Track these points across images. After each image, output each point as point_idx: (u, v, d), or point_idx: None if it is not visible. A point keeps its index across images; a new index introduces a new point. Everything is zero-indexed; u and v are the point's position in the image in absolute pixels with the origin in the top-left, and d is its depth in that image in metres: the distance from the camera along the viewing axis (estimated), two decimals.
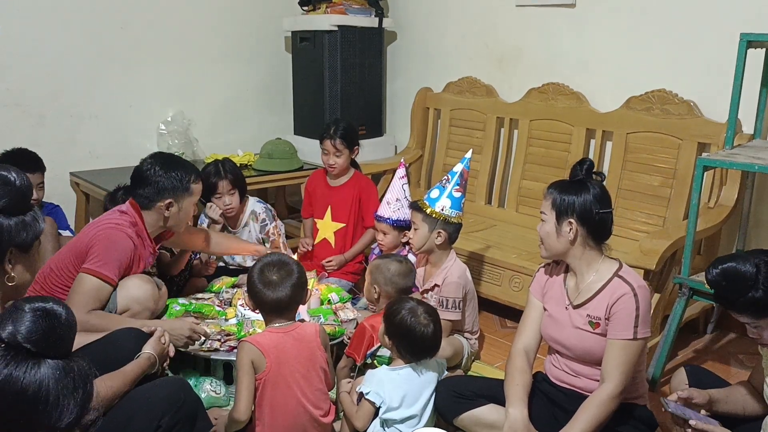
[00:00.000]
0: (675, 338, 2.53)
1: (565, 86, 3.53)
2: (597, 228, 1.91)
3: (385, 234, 2.92)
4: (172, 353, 2.07)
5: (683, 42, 3.12)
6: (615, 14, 3.35)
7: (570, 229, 1.89)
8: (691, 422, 1.69)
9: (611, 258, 1.97)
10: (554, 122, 3.56)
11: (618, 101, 3.30)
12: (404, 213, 2.87)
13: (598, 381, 1.91)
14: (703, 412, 1.76)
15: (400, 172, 2.95)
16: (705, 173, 2.44)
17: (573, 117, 3.48)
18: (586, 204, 1.88)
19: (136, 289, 2.28)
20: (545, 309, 2.05)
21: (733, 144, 2.65)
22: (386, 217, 2.90)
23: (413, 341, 2.01)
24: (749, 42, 2.51)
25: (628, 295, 1.85)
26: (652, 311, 2.53)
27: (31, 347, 1.05)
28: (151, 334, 2.01)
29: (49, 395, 1.04)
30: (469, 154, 2.77)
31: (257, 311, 2.06)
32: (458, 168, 2.70)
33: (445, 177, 2.71)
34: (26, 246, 1.52)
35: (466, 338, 2.71)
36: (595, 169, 1.96)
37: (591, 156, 3.42)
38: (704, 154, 2.68)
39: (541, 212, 1.98)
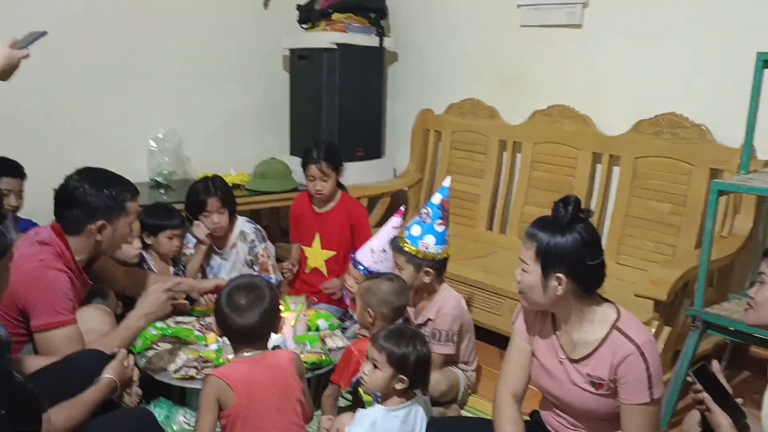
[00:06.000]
0: (687, 375, 2.35)
1: (571, 108, 3.40)
2: (589, 280, 1.66)
3: (356, 280, 2.56)
4: (135, 377, 1.92)
5: (695, 63, 3.00)
6: (623, 35, 3.23)
7: (558, 284, 1.64)
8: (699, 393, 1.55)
9: (606, 301, 1.72)
10: (559, 146, 3.42)
11: (626, 125, 3.17)
12: (385, 267, 2.57)
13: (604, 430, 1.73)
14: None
15: (396, 221, 2.67)
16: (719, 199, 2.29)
17: (579, 140, 3.34)
18: (576, 255, 1.61)
19: (91, 320, 2.08)
20: (533, 354, 1.82)
21: (748, 169, 2.50)
22: (365, 266, 2.59)
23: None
24: (765, 62, 2.38)
25: (634, 355, 1.60)
26: (663, 346, 2.39)
27: None
28: (113, 356, 1.86)
29: None
30: (447, 182, 2.53)
31: (223, 338, 1.90)
32: (437, 199, 2.47)
33: (425, 210, 2.47)
34: None
35: (462, 369, 2.54)
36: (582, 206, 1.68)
37: (597, 181, 3.29)
38: (718, 180, 2.54)
39: (520, 259, 1.72)
